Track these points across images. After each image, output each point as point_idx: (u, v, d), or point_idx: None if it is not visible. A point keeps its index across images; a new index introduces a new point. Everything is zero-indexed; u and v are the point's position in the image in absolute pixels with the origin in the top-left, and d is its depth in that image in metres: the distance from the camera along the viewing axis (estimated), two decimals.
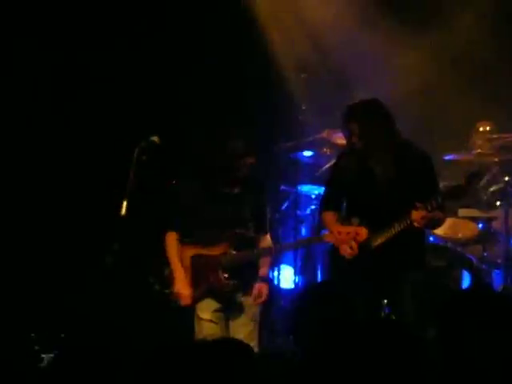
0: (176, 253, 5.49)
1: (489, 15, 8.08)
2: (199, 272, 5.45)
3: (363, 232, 5.23)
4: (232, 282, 5.43)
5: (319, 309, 3.46)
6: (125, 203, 5.41)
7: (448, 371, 2.89)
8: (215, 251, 5.44)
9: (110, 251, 5.23)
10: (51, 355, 5.76)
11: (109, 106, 7.78)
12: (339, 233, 5.27)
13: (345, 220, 5.38)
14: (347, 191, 5.53)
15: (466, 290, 5.81)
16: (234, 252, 5.42)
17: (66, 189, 7.35)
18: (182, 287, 5.43)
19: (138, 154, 5.56)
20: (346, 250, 5.36)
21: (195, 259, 5.46)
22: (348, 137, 5.44)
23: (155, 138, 5.62)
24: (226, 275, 5.42)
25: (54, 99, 7.69)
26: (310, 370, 2.75)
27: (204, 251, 5.45)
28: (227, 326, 5.51)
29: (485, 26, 8.07)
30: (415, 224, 5.27)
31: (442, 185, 5.84)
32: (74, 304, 6.44)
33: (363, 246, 5.37)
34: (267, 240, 5.56)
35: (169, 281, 5.49)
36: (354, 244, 5.35)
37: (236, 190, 5.47)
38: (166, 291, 5.49)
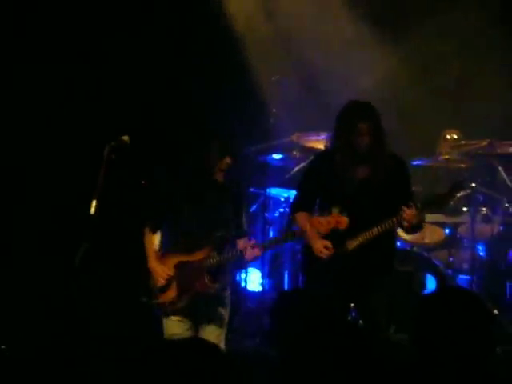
0: (153, 249, 5.50)
1: (458, 27, 8.18)
2: (184, 279, 5.43)
3: (344, 220, 5.17)
4: (217, 284, 5.42)
5: (292, 316, 3.47)
6: (94, 203, 5.37)
7: (422, 371, 2.91)
8: (198, 256, 5.42)
9: (79, 251, 5.18)
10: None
11: (83, 105, 7.74)
12: (320, 223, 5.20)
13: (324, 211, 5.29)
14: (323, 193, 5.51)
15: (437, 292, 5.84)
16: (217, 255, 5.41)
17: (35, 188, 7.27)
18: (157, 272, 5.43)
19: (108, 154, 5.52)
20: (322, 251, 5.36)
21: (180, 267, 5.45)
22: (349, 134, 5.34)
23: (125, 138, 5.58)
24: (210, 279, 5.40)
25: (23, 97, 7.63)
26: (285, 372, 2.76)
27: (187, 258, 5.44)
28: (196, 328, 5.49)
29: (454, 37, 8.16)
30: (404, 222, 5.27)
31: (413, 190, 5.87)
32: (43, 303, 6.39)
33: (339, 249, 5.37)
34: (245, 241, 5.49)
35: (154, 292, 5.47)
36: (329, 244, 5.35)
37: (214, 192, 5.46)
38: (154, 302, 5.46)
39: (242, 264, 5.62)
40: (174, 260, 5.46)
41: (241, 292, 7.70)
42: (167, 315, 5.45)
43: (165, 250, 5.52)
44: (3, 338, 5.96)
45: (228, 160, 5.45)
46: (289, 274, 7.71)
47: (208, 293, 5.41)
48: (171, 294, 5.44)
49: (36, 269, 6.73)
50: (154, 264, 5.46)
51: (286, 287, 7.74)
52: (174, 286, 5.44)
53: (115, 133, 5.63)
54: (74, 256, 5.17)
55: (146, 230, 5.55)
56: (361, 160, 5.38)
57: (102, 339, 5.95)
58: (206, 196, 5.47)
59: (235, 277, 7.75)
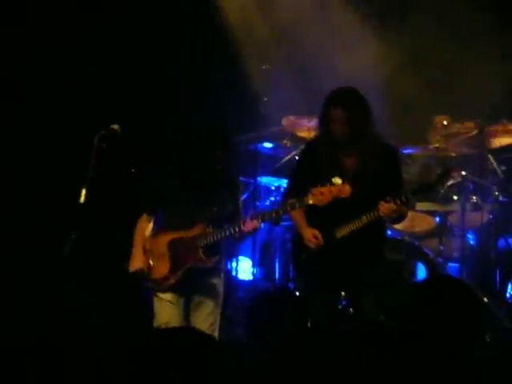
0: (141, 235, 5.51)
1: (448, 16, 8.18)
2: (178, 255, 5.44)
3: (346, 189, 5.08)
4: (213, 258, 5.41)
5: (277, 311, 3.47)
6: (84, 191, 5.35)
7: (416, 361, 2.93)
8: (193, 232, 5.43)
9: (68, 239, 5.17)
10: None
11: (72, 95, 7.71)
12: (322, 193, 5.11)
13: (325, 182, 5.22)
14: (314, 180, 5.50)
15: (427, 280, 5.86)
16: (214, 230, 5.40)
17: (26, 176, 7.25)
18: (135, 257, 5.46)
19: (98, 142, 5.51)
20: (311, 240, 5.37)
21: (173, 244, 5.46)
22: (326, 122, 5.36)
23: (115, 126, 5.57)
24: (206, 253, 5.40)
25: (12, 85, 7.59)
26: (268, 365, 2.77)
27: (181, 234, 5.45)
28: (187, 312, 5.49)
29: (445, 25, 8.16)
30: (383, 216, 5.29)
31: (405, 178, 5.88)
32: (32, 292, 6.37)
33: (327, 238, 5.37)
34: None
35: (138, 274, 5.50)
36: (317, 233, 5.36)
37: (209, 176, 5.46)
38: (146, 277, 5.49)
39: (242, 238, 5.49)
40: (167, 237, 5.47)
41: (231, 281, 7.71)
42: (161, 291, 5.45)
43: (158, 229, 5.52)
44: None
45: (223, 152, 5.43)
46: (279, 263, 7.72)
47: (203, 267, 5.41)
48: (163, 270, 5.45)
49: (25, 258, 6.71)
50: (137, 248, 5.48)
51: (276, 276, 7.75)
52: (166, 262, 5.44)
53: (106, 121, 5.62)
54: (63, 245, 5.17)
55: (143, 215, 5.55)
56: (345, 148, 5.37)
57: (92, 329, 5.95)
58: (201, 179, 5.46)
59: (226, 265, 7.77)
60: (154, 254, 5.49)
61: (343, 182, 5.12)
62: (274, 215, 5.39)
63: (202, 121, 5.59)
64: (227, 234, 5.37)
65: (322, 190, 5.13)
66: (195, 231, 5.42)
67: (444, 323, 3.02)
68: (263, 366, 3.36)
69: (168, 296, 5.46)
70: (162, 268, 5.45)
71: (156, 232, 5.54)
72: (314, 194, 5.12)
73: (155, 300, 5.49)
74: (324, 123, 5.37)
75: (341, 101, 5.29)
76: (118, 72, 7.94)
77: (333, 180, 5.12)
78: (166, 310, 5.44)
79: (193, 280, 5.45)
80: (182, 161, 5.50)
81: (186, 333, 2.92)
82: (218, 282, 5.54)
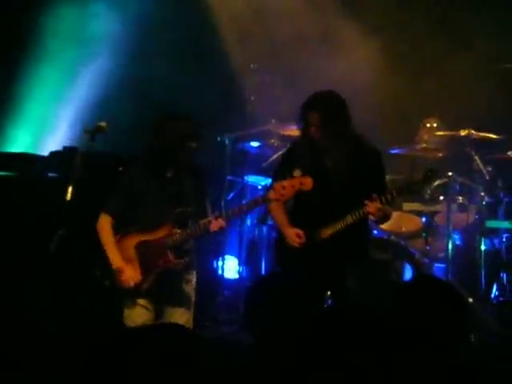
0: (110, 238, 5.33)
1: (434, 14, 8.20)
2: (147, 259, 5.33)
3: (308, 181, 5.07)
4: (183, 260, 5.32)
5: (270, 300, 3.47)
6: (70, 188, 5.34)
7: (400, 361, 2.93)
8: (159, 234, 5.32)
9: (54, 237, 5.16)
10: None
11: None
12: (283, 187, 5.09)
13: (298, 208, 5.22)
14: None
15: (413, 280, 5.87)
16: (179, 230, 5.31)
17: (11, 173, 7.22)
18: (123, 271, 5.28)
19: (85, 140, 5.49)
20: (294, 239, 5.37)
21: (140, 247, 5.34)
22: (304, 126, 5.42)
23: (103, 124, 5.56)
24: (175, 255, 5.31)
25: None
26: (261, 359, 2.76)
27: (148, 237, 5.33)
28: (161, 313, 5.39)
29: (432, 24, 8.19)
30: (370, 216, 5.31)
31: (389, 178, 5.90)
32: (13, 290, 6.34)
33: (312, 237, 5.38)
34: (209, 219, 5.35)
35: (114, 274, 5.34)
36: (300, 232, 5.36)
37: (176, 173, 5.36)
38: (115, 284, 5.31)
39: (210, 236, 5.40)
40: (134, 240, 5.34)
41: (218, 279, 7.71)
42: (133, 298, 5.32)
43: (123, 232, 5.39)
44: None
45: (194, 144, 5.36)
46: (265, 262, 7.72)
47: (173, 269, 5.30)
48: (135, 274, 5.30)
49: (11, 255, 6.68)
50: (118, 262, 5.30)
51: (262, 274, 7.75)
52: (136, 266, 5.31)
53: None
54: (49, 242, 5.16)
55: (103, 213, 5.39)
56: (325, 150, 5.40)
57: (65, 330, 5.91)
58: (168, 177, 5.36)
59: (212, 264, 7.76)
60: (123, 259, 5.33)
61: (303, 174, 5.11)
62: (237, 211, 5.35)
63: (182, 114, 5.49)
64: (194, 233, 5.28)
65: (284, 184, 5.10)
66: (161, 232, 5.31)
67: (428, 324, 3.03)
68: (251, 364, 3.36)
69: (140, 301, 5.32)
70: (132, 273, 5.32)
71: (122, 235, 5.38)
72: (276, 188, 5.10)
73: (126, 305, 5.31)
74: (302, 127, 5.42)
75: (316, 104, 5.35)
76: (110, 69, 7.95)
77: (294, 173, 5.13)
78: (138, 315, 5.29)
79: (164, 285, 5.33)
80: (150, 152, 5.36)
81: (169, 329, 2.89)
82: (189, 289, 5.41)
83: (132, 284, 5.30)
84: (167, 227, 5.30)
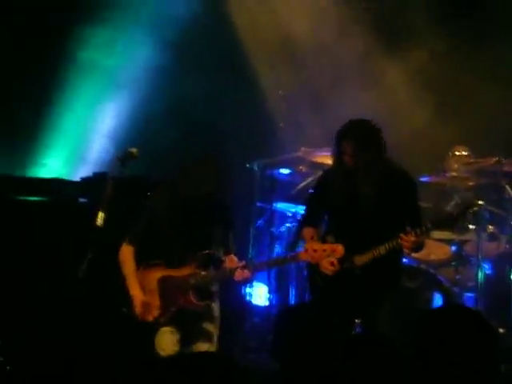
0: (132, 269, 5.33)
1: (464, 42, 8.20)
2: (168, 294, 5.32)
3: (339, 249, 5.17)
4: (204, 302, 5.32)
5: (297, 329, 3.46)
6: (100, 214, 5.37)
7: None
8: (183, 272, 5.31)
9: (84, 261, 5.18)
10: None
11: None
12: (315, 251, 5.19)
13: (320, 238, 5.31)
14: (330, 209, 5.52)
15: (441, 307, 5.83)
16: (203, 272, 5.30)
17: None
18: (140, 303, 5.29)
19: (116, 166, 5.54)
20: (328, 268, 5.36)
21: (163, 281, 5.34)
22: (338, 155, 5.42)
23: (133, 150, 5.59)
24: (197, 296, 5.30)
25: None
26: None
27: (171, 272, 5.33)
28: (186, 342, 5.36)
29: (462, 52, 8.18)
30: (404, 248, 5.29)
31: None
32: (45, 311, 6.39)
33: (345, 265, 5.36)
34: (233, 260, 5.40)
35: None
36: (335, 261, 5.35)
37: (202, 210, 5.34)
38: (134, 315, 5.33)
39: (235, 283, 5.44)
40: (158, 274, 5.34)
41: (247, 306, 7.69)
42: (155, 328, 5.32)
43: (148, 263, 5.40)
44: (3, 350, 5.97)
45: (216, 196, 5.32)
46: (295, 289, 7.70)
47: (194, 311, 5.30)
48: (154, 308, 5.31)
49: (40, 278, 6.73)
50: (137, 294, 5.31)
51: (292, 302, 7.72)
52: (156, 300, 5.31)
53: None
54: (78, 266, 5.18)
55: (124, 244, 5.40)
56: (359, 178, 5.40)
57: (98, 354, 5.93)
58: (194, 213, 5.35)
59: (241, 291, 7.75)
60: (144, 290, 5.35)
61: (336, 240, 5.19)
62: (265, 265, 5.46)
63: (221, 147, 5.55)
64: (218, 277, 5.30)
65: (316, 247, 5.19)
66: (185, 271, 5.30)
67: (458, 353, 3.01)
68: None
69: (166, 328, 5.32)
70: (151, 306, 5.31)
71: (145, 267, 5.38)
72: (308, 249, 5.19)
73: (155, 332, 5.32)
74: (336, 156, 5.42)
75: (350, 134, 5.35)
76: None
77: (327, 238, 5.17)
78: (165, 340, 5.28)
79: (185, 322, 5.33)
80: (181, 193, 5.36)
81: (207, 357, 2.89)
82: (212, 327, 5.40)
83: (150, 318, 5.30)
84: (192, 266, 5.30)
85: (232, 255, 5.37)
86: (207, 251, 5.31)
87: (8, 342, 6.11)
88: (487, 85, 8.03)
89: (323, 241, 5.24)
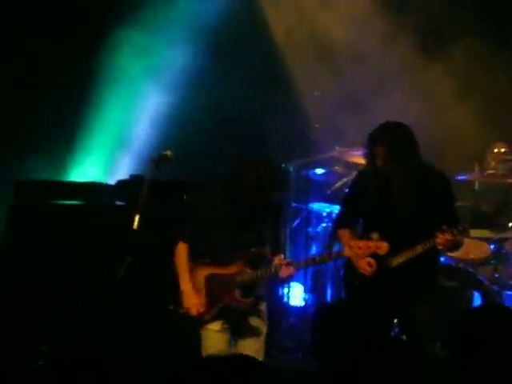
0: (185, 265, 5.41)
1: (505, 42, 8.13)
2: (214, 292, 5.38)
3: (384, 246, 5.15)
4: (249, 300, 5.36)
5: (335, 328, 3.45)
6: (137, 217, 5.40)
7: None
8: (230, 270, 5.35)
9: (121, 264, 5.22)
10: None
11: None
12: (359, 247, 5.18)
13: (364, 235, 5.30)
14: (365, 211, 5.50)
15: (480, 308, 5.77)
16: (250, 270, 5.33)
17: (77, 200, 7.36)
18: (190, 298, 5.36)
19: (151, 168, 5.56)
20: (365, 268, 5.33)
21: (210, 279, 5.39)
22: (371, 158, 5.39)
23: (168, 152, 5.62)
24: (242, 294, 5.35)
25: None
26: None
27: (219, 270, 5.37)
28: (234, 343, 5.45)
29: (500, 52, 8.11)
30: (439, 247, 5.25)
31: (458, 205, 5.83)
32: (83, 315, 6.44)
33: (381, 265, 5.34)
34: (280, 258, 5.43)
35: (181, 299, 5.41)
36: (372, 261, 5.32)
37: (254, 207, 5.38)
38: (180, 310, 5.39)
39: (279, 281, 5.52)
40: (205, 271, 5.40)
41: (283, 307, 7.68)
42: (200, 325, 5.39)
43: (196, 261, 5.45)
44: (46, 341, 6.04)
45: (276, 193, 5.36)
46: (331, 289, 7.68)
47: (239, 308, 5.35)
48: (199, 305, 5.36)
49: (79, 282, 6.79)
50: (187, 288, 5.37)
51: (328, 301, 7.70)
52: (202, 297, 5.37)
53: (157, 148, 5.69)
54: (117, 270, 5.22)
55: (179, 241, 5.45)
56: (393, 180, 5.36)
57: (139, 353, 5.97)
58: (247, 217, 5.38)
59: (277, 291, 7.74)
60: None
61: (381, 237, 5.16)
62: (310, 262, 5.47)
63: (258, 148, 5.55)
64: (263, 276, 5.33)
65: (361, 244, 5.20)
66: (233, 269, 5.35)
67: (497, 354, 2.97)
68: None
69: (213, 325, 5.38)
70: (198, 302, 5.36)
71: (194, 264, 5.43)
72: (352, 246, 5.20)
73: (202, 331, 5.40)
74: (369, 159, 5.40)
75: (381, 139, 5.32)
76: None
77: (372, 235, 5.15)
78: (213, 340, 5.36)
79: (233, 318, 5.38)
80: (235, 193, 5.37)
81: (237, 360, 2.89)
82: (259, 323, 5.43)
83: (195, 313, 5.35)
84: (239, 264, 5.35)
85: (280, 255, 5.41)
86: (255, 249, 5.35)
87: (51, 346, 6.17)
88: None
89: (368, 237, 5.21)
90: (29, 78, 8.33)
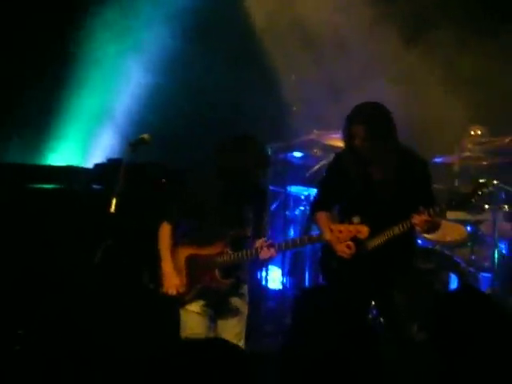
0: (168, 245, 5.43)
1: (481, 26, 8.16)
2: (194, 272, 5.40)
3: (365, 230, 5.16)
4: (228, 281, 5.38)
5: (315, 311, 3.46)
6: (114, 200, 5.38)
7: (443, 372, 2.89)
8: (211, 251, 5.38)
9: (99, 248, 5.21)
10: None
11: None
12: (340, 231, 5.20)
13: (344, 219, 5.30)
14: (343, 193, 5.50)
15: (456, 291, 5.81)
16: (231, 252, 5.36)
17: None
18: (170, 278, 5.38)
19: (128, 151, 5.54)
20: (344, 251, 5.34)
21: (190, 259, 5.41)
22: (349, 139, 5.39)
23: (145, 136, 5.60)
24: (222, 275, 5.37)
25: None
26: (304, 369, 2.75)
27: (200, 251, 5.40)
28: (215, 324, 5.48)
29: (477, 33, 8.14)
30: (416, 228, 5.27)
31: (434, 188, 5.85)
32: (62, 299, 6.42)
33: (359, 248, 5.35)
34: (262, 241, 5.41)
35: (162, 279, 5.44)
36: (351, 244, 5.33)
37: (238, 192, 5.40)
38: (160, 289, 5.43)
39: (258, 263, 5.54)
40: (186, 252, 5.42)
41: (261, 290, 7.70)
42: (180, 305, 5.42)
43: (177, 241, 5.46)
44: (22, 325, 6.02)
45: (264, 171, 5.41)
46: (309, 273, 7.70)
47: (219, 288, 5.37)
48: (180, 285, 5.38)
49: (56, 266, 6.77)
50: (168, 269, 5.40)
51: (306, 285, 7.73)
52: (182, 277, 5.40)
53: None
54: (95, 253, 5.21)
55: (163, 222, 5.47)
56: (371, 161, 5.37)
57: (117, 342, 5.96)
58: (230, 197, 5.40)
59: (255, 275, 7.76)
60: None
61: (362, 221, 5.17)
62: (291, 244, 5.45)
63: (236, 131, 5.55)
64: (244, 257, 5.34)
65: (341, 228, 5.20)
66: (214, 250, 5.38)
67: (475, 336, 2.99)
68: (294, 375, 3.35)
69: (194, 307, 5.42)
70: (178, 282, 5.39)
71: (175, 244, 5.45)
72: (333, 230, 5.22)
73: (182, 312, 5.44)
74: (347, 139, 5.39)
75: (360, 117, 5.31)
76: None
77: (353, 219, 5.16)
78: (193, 321, 5.40)
79: (213, 299, 5.42)
80: (218, 174, 5.40)
81: (212, 344, 2.90)
82: (241, 305, 5.47)
83: (175, 292, 5.37)
84: (220, 245, 5.36)
85: (262, 239, 5.41)
86: (237, 231, 5.37)
87: (25, 330, 6.15)
88: (501, 64, 7.97)
89: (348, 221, 5.22)
90: (5, 63, 8.24)
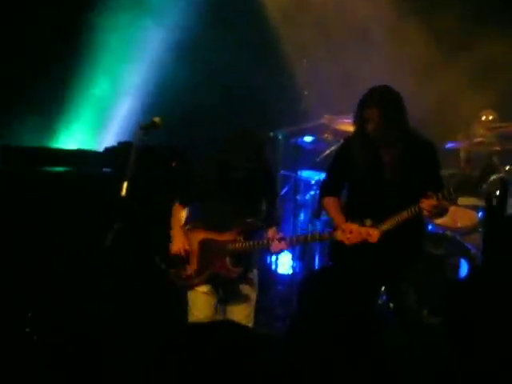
0: (179, 226, 5.50)
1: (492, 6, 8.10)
2: (206, 256, 5.45)
3: (375, 234, 5.20)
4: (238, 269, 5.42)
5: (321, 295, 3.46)
6: (125, 184, 5.39)
7: (454, 358, 2.89)
8: (224, 237, 5.43)
9: (110, 230, 5.22)
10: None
11: None
12: (351, 231, 5.25)
13: (356, 218, 5.31)
14: (353, 179, 5.49)
15: (470, 277, 5.79)
16: (243, 240, 5.41)
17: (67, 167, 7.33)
18: (178, 243, 5.45)
19: (139, 135, 5.54)
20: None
21: (204, 243, 5.47)
22: (361, 122, 5.38)
23: (156, 119, 5.59)
24: (232, 262, 5.42)
25: None
26: (309, 353, 2.76)
27: (213, 236, 5.46)
28: (223, 308, 5.52)
29: (489, 17, 8.07)
30: (424, 212, 5.26)
31: (444, 173, 5.83)
32: (74, 284, 6.45)
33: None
34: (274, 232, 5.51)
35: (174, 261, 5.48)
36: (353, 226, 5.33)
37: (250, 179, 5.43)
38: (172, 270, 5.49)
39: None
40: (200, 236, 5.48)
41: (271, 275, 7.71)
42: (188, 287, 5.47)
43: (192, 225, 5.52)
44: (29, 321, 6.05)
45: (264, 154, 5.46)
46: (319, 257, 7.71)
47: (227, 276, 5.42)
48: (190, 268, 5.46)
49: (67, 249, 6.79)
50: (176, 232, 5.48)
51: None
52: (194, 261, 5.46)
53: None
54: (105, 236, 5.21)
55: (176, 204, 5.54)
56: (381, 146, 5.36)
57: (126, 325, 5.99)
58: (242, 185, 5.43)
59: (265, 259, 7.77)
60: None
61: (373, 224, 5.20)
62: (301, 239, 5.50)
63: (247, 116, 5.57)
64: (255, 247, 5.41)
65: (353, 228, 5.24)
66: (227, 236, 5.43)
67: (487, 320, 2.99)
68: (302, 359, 3.35)
69: (203, 288, 5.47)
70: (188, 266, 5.47)
71: (189, 228, 5.51)
72: (345, 229, 5.25)
73: (190, 292, 5.49)
74: (359, 124, 5.38)
75: (373, 101, 5.30)
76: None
77: (365, 221, 5.17)
78: (201, 301, 5.45)
79: (221, 285, 5.47)
80: (227, 160, 5.44)
81: (221, 326, 2.91)
82: (249, 289, 5.53)
83: (184, 273, 5.41)
84: (233, 233, 5.42)
85: (274, 228, 5.48)
86: (251, 220, 5.42)
87: (36, 313, 6.18)
88: None
89: (360, 223, 5.24)
90: (17, 46, 8.25)
